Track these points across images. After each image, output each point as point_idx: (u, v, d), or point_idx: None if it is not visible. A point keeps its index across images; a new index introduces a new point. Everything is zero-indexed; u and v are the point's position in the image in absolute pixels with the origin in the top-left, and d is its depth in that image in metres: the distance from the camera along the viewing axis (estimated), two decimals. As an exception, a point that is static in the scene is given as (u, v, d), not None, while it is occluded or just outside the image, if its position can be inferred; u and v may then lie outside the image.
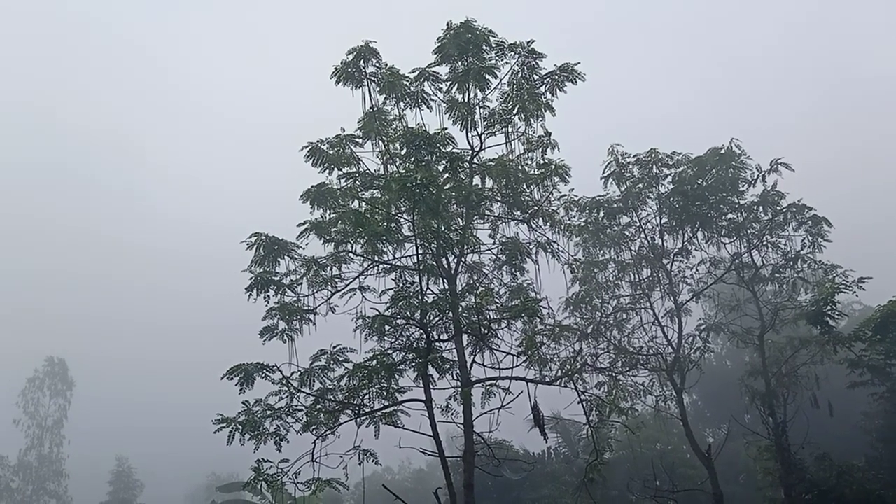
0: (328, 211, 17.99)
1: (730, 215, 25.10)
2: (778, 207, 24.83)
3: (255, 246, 17.24)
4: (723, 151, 24.57)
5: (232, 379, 15.79)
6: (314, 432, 16.34)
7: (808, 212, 24.72)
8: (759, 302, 25.84)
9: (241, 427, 15.60)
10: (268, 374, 16.06)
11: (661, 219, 25.31)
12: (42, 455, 63.50)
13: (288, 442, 16.01)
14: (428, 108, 18.37)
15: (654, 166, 25.10)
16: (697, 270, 25.89)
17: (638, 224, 25.45)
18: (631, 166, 25.30)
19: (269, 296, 17.27)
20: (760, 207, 24.90)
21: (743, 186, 24.82)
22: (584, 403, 18.06)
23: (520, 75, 18.43)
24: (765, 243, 25.23)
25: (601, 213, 24.91)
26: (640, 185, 25.19)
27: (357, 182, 18.48)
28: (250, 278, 17.19)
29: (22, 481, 62.14)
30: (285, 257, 17.57)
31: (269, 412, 16.02)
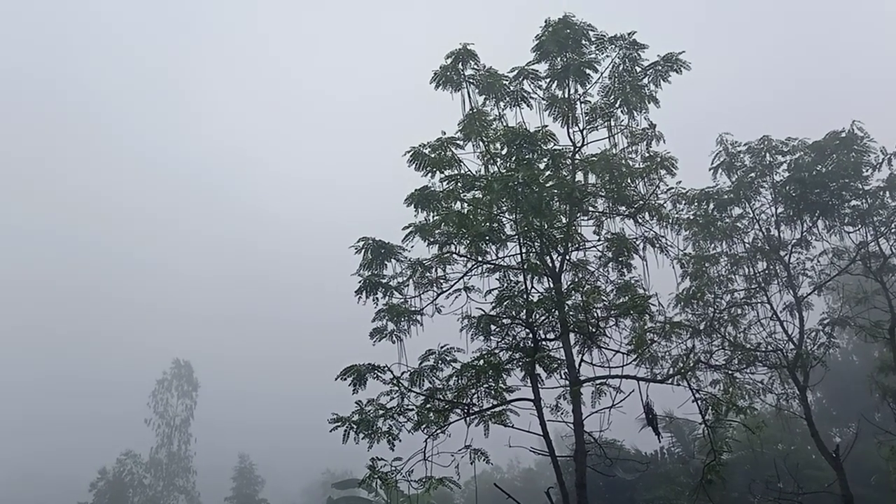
0: (431, 213, 18.25)
1: (853, 202, 23.54)
2: (907, 192, 23.18)
3: (363, 250, 17.70)
4: (843, 135, 23.17)
5: (345, 380, 16.27)
6: (425, 431, 16.54)
7: (941, 196, 22.93)
8: (888, 293, 24.18)
9: (355, 426, 16.03)
10: (379, 374, 16.44)
11: (776, 209, 24.12)
12: (171, 452, 67.69)
13: (400, 441, 16.29)
14: (528, 106, 18.29)
15: (768, 154, 23.95)
16: (819, 262, 24.48)
17: (751, 215, 24.35)
18: (742, 155, 24.28)
19: (377, 298, 17.70)
20: (887, 193, 23.28)
21: (867, 171, 23.29)
22: (699, 402, 17.45)
23: (621, 68, 18.11)
24: (893, 231, 23.59)
25: (711, 206, 23.96)
26: (753, 175, 24.10)
27: (459, 184, 18.62)
28: (359, 281, 17.67)
29: (153, 477, 66.44)
30: (392, 260, 17.93)
31: (381, 412, 16.38)
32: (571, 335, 17.50)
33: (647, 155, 18.71)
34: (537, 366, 16.93)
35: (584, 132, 18.39)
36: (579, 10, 18.07)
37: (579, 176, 18.61)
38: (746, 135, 24.89)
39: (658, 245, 18.80)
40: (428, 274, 18.28)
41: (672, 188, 20.21)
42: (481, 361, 16.68)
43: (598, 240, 18.88)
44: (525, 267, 17.32)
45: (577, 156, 18.41)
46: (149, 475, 66.31)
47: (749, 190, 24.11)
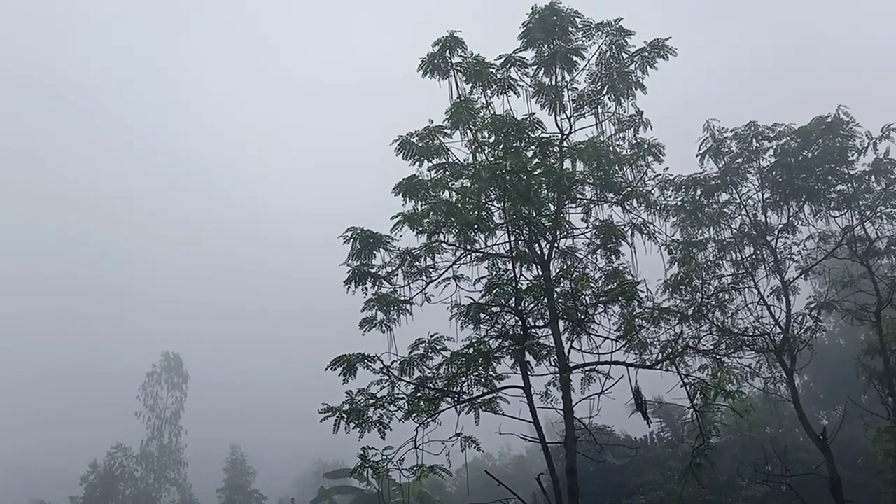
0: (420, 202, 18.20)
1: (839, 187, 23.68)
2: (892, 176, 23.29)
3: (352, 240, 17.63)
4: (829, 120, 23.27)
5: (335, 370, 16.26)
6: (416, 420, 16.58)
7: (925, 179, 23.07)
8: (874, 276, 24.37)
9: (345, 416, 16.05)
10: (369, 363, 16.45)
11: (763, 194, 24.23)
12: (162, 445, 67.58)
13: (391, 430, 16.34)
14: (515, 94, 18.25)
15: (754, 140, 24.04)
16: (805, 246, 24.64)
17: (738, 201, 24.45)
18: (728, 141, 24.37)
19: (366, 288, 17.66)
20: (872, 177, 23.42)
21: (852, 156, 23.42)
22: (688, 387, 17.58)
23: (608, 55, 18.12)
24: (879, 215, 23.71)
25: (698, 192, 24.05)
26: (740, 161, 24.19)
27: (447, 172, 18.58)
28: (348, 271, 17.63)
29: (144, 470, 66.31)
30: (380, 249, 17.89)
31: (371, 401, 16.40)
32: (560, 322, 17.55)
33: (634, 142, 18.77)
34: (527, 353, 16.98)
35: (572, 119, 18.41)
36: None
37: (567, 163, 18.61)
38: (728, 121, 24.98)
39: (646, 231, 18.87)
40: (417, 263, 18.25)
41: (659, 175, 20.31)
42: (471, 350, 16.72)
43: (587, 227, 18.92)
44: (514, 255, 17.34)
45: (564, 143, 18.40)
46: (140, 468, 66.15)
47: (736, 176, 24.20)
